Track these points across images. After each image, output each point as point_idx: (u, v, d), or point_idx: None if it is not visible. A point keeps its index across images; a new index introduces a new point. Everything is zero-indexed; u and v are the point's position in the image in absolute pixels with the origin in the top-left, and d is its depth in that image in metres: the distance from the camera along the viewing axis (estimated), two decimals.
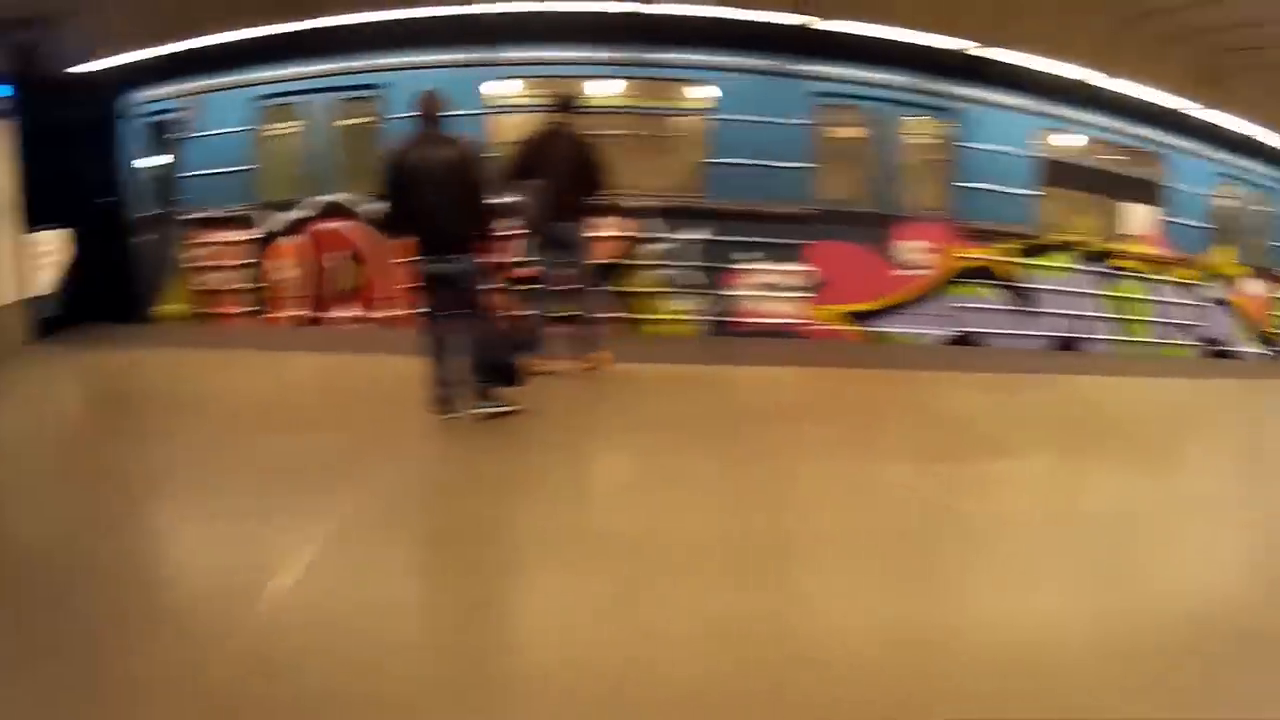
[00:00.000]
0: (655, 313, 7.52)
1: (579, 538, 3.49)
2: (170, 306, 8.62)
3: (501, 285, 5.16)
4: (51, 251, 8.07)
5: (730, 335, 7.51)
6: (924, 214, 7.89)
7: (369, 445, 4.57)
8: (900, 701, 2.40)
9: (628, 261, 7.48)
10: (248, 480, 4.14)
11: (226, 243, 8.23)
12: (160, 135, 8.68)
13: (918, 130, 8.00)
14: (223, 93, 8.26)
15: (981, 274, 8.00)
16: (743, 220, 7.43)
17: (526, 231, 5.87)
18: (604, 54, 7.41)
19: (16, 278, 7.59)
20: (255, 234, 8.14)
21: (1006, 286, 8.07)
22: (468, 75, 7.42)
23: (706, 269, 7.52)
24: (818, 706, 2.38)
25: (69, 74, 8.22)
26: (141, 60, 8.29)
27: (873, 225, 7.74)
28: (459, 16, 7.32)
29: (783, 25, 7.27)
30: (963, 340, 7.95)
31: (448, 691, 2.49)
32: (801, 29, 7.27)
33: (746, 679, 2.51)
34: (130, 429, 5.31)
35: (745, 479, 4.24)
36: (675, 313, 7.54)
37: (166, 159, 8.64)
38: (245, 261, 8.19)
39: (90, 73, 8.34)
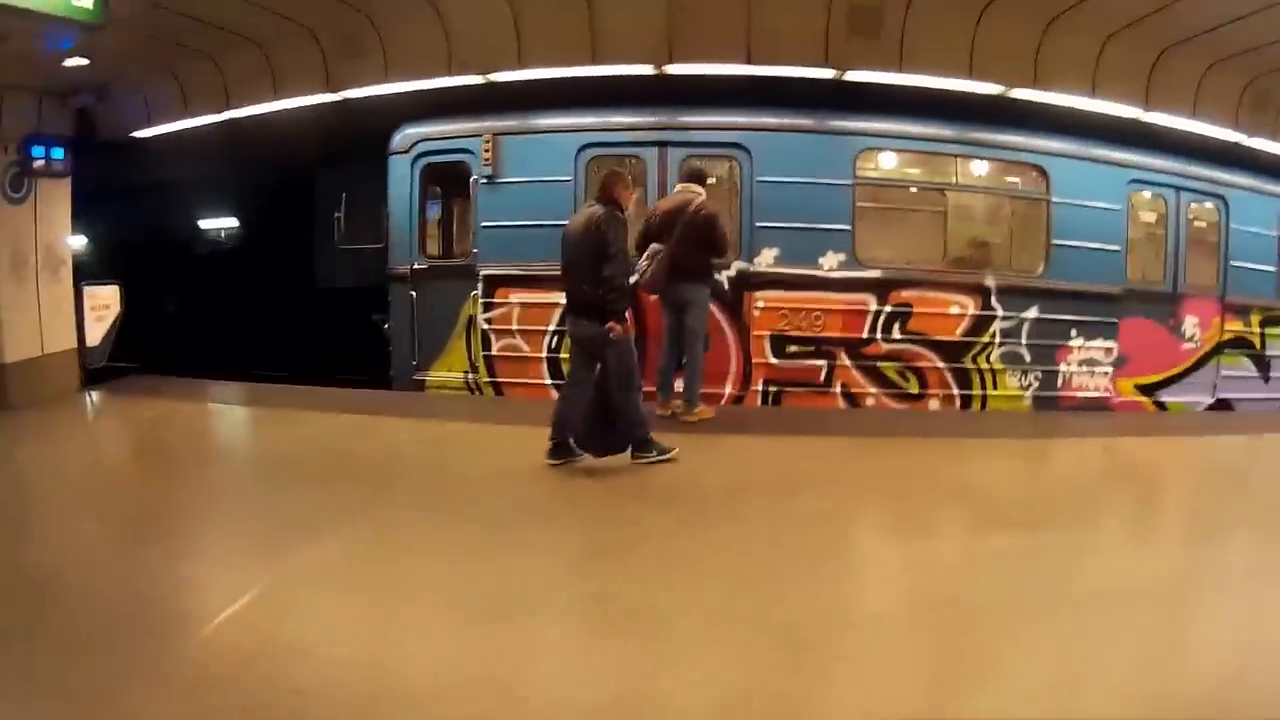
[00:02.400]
0: (995, 389, 7.76)
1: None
2: (445, 372, 8.06)
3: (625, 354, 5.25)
4: (104, 304, 8.46)
5: (1055, 410, 7.85)
6: (1199, 291, 8.52)
7: None
8: None
9: (969, 339, 7.67)
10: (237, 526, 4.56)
11: (536, 304, 7.65)
12: (441, 178, 8.08)
13: (1199, 215, 8.60)
14: (536, 136, 7.68)
15: (1238, 344, 8.74)
16: (1070, 299, 7.80)
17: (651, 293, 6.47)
18: (971, 133, 7.57)
19: (70, 327, 8.09)
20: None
21: (1257, 355, 8.84)
22: (841, 144, 7.36)
23: (1040, 346, 7.81)
24: None
25: (125, 137, 8.49)
26: (423, 91, 7.44)
27: (1166, 303, 8.31)
28: (836, 81, 7.04)
29: (1116, 118, 7.61)
30: (1220, 406, 8.66)
31: None
32: (1133, 121, 7.67)
33: None
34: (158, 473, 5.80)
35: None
36: (1011, 390, 7.80)
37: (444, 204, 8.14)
38: (556, 327, 7.59)
39: (146, 137, 8.51)
